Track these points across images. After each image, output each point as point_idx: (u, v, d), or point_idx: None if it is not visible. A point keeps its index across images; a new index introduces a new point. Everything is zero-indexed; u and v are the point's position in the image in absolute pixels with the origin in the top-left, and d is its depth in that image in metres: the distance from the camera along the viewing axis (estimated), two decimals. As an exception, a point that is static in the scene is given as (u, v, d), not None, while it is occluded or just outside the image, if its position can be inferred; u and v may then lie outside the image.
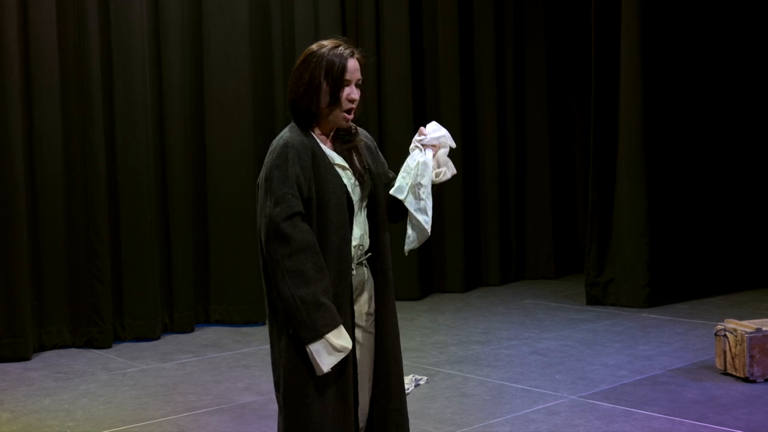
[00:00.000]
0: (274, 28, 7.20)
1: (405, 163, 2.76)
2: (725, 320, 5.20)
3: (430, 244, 8.19)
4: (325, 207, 2.59)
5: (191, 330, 6.74)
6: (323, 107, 2.65)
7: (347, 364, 2.62)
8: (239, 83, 6.94)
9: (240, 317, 6.92)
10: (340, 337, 2.54)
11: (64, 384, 5.28)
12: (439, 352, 5.86)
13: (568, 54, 9.07)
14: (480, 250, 8.45)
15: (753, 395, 4.64)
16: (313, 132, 2.68)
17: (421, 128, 2.77)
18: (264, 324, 6.92)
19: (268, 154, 2.64)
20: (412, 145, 2.77)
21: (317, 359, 2.53)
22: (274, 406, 4.67)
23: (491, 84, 8.40)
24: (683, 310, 7.01)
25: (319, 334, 2.51)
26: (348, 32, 7.72)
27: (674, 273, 7.47)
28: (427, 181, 2.69)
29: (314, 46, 2.68)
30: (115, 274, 6.40)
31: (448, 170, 2.78)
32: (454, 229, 8.14)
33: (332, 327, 2.53)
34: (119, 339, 6.40)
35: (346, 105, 2.66)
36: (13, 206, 5.95)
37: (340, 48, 2.65)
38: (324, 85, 2.62)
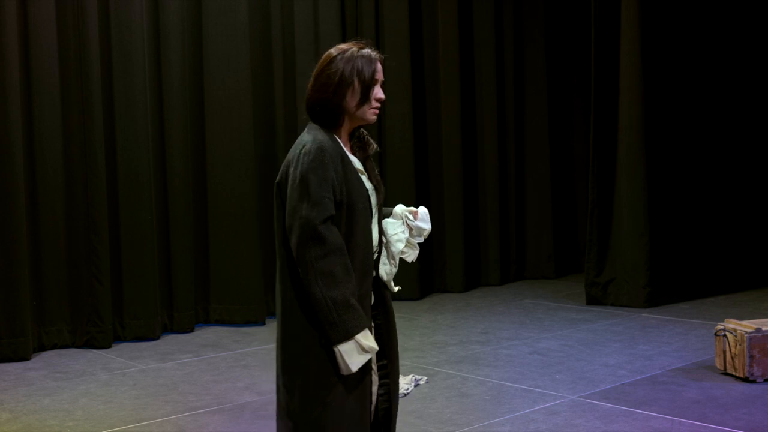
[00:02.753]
0: (273, 28, 7.21)
1: (384, 222, 2.88)
2: (725, 320, 5.20)
3: (430, 244, 8.19)
4: (353, 210, 2.65)
5: (191, 330, 6.74)
6: (353, 105, 2.70)
7: (366, 365, 2.65)
8: (239, 83, 6.94)
9: (240, 317, 6.93)
10: (367, 338, 2.59)
11: (63, 384, 5.28)
12: (439, 352, 5.86)
13: (568, 55, 9.07)
14: (480, 250, 8.45)
15: (753, 395, 4.64)
16: (337, 135, 2.74)
17: (416, 210, 2.92)
18: (264, 324, 6.94)
19: (298, 155, 2.63)
20: (399, 210, 2.91)
21: (346, 359, 2.56)
22: (274, 406, 4.67)
23: (491, 85, 8.40)
24: (683, 310, 7.01)
25: (349, 335, 2.55)
26: (348, 33, 7.73)
27: (674, 273, 7.47)
28: (395, 252, 2.87)
29: (340, 48, 2.74)
30: (115, 274, 6.40)
31: (412, 255, 2.92)
32: (454, 229, 8.14)
33: (361, 328, 2.57)
34: (119, 339, 6.40)
35: (374, 103, 2.75)
36: (13, 206, 5.95)
37: (366, 50, 2.74)
38: (356, 84, 2.69)
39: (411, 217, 2.89)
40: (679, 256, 7.56)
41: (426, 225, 2.91)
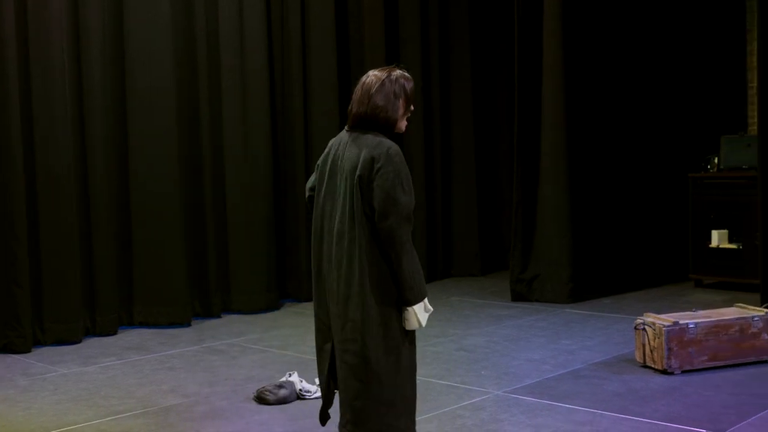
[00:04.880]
0: (197, 23, 7.12)
1: None
2: (644, 314, 5.34)
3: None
4: None
5: (114, 333, 6.61)
6: (400, 116, 3.34)
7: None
8: (162, 81, 6.83)
9: (165, 319, 6.82)
10: (428, 302, 3.30)
11: (-20, 390, 5.12)
12: (367, 350, 5.86)
13: (493, 55, 9.19)
14: (407, 249, 8.48)
15: (671, 387, 4.77)
16: None
17: None
18: (190, 325, 6.86)
19: (387, 154, 3.20)
20: None
21: (419, 316, 3.22)
22: (200, 408, 4.63)
23: (416, 84, 8.43)
24: (605, 305, 7.17)
25: (421, 297, 3.23)
26: (273, 27, 7.68)
27: (596, 269, 7.64)
28: None
29: (381, 73, 3.33)
30: (35, 276, 6.23)
31: None
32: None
33: (427, 293, 3.29)
34: (39, 343, 6.23)
35: (408, 115, 3.39)
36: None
37: (400, 71, 3.37)
38: (402, 100, 3.32)
39: None
40: (601, 252, 7.73)
41: None
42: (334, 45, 7.89)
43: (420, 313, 3.23)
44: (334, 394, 3.40)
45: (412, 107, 3.37)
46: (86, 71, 6.53)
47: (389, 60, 8.24)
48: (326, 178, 3.39)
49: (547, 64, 7.37)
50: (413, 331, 3.31)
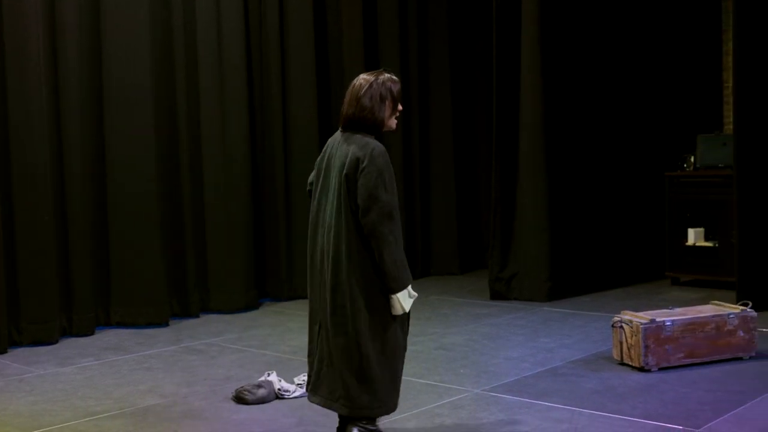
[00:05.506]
0: (175, 21, 7.08)
1: None
2: (622, 312, 5.37)
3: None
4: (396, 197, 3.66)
5: (91, 333, 6.57)
6: (387, 117, 3.68)
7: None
8: (139, 79, 6.79)
9: (143, 319, 6.79)
10: (412, 288, 3.64)
11: (-45, 392, 5.07)
12: (346, 349, 5.85)
13: (472, 54, 9.21)
14: (386, 247, 8.48)
15: (648, 384, 4.80)
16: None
17: None
18: (167, 325, 6.82)
19: (371, 155, 3.52)
20: None
21: (402, 303, 3.60)
22: (178, 409, 4.60)
23: (396, 82, 8.44)
24: (583, 303, 7.21)
25: (404, 286, 3.58)
26: (251, 26, 7.66)
27: (575, 267, 7.68)
28: None
29: (371, 75, 3.68)
30: (10, 276, 6.17)
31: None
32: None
33: (410, 281, 3.63)
34: (15, 344, 6.17)
35: (396, 114, 3.73)
36: None
37: (388, 74, 3.70)
38: (388, 101, 3.65)
39: None
40: (579, 251, 7.77)
41: None
42: (312, 43, 7.87)
43: (404, 300, 3.59)
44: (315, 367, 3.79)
45: (400, 107, 3.70)
46: (62, 67, 6.47)
47: (368, 58, 8.25)
48: (322, 174, 3.72)
49: (525, 64, 7.39)
50: (402, 316, 3.65)
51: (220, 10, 7.32)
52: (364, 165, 3.52)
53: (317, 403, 3.80)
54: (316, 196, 3.74)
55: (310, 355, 3.82)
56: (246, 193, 7.49)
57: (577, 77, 7.78)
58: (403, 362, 3.72)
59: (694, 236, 7.77)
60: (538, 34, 7.34)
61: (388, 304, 3.61)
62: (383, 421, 4.11)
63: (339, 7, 8.16)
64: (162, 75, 7.01)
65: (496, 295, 7.53)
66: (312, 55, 7.87)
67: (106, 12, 6.73)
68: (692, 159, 7.89)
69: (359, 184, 3.52)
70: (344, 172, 3.56)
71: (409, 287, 3.61)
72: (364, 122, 3.64)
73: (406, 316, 3.72)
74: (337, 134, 3.74)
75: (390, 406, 3.71)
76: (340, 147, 3.65)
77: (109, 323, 6.82)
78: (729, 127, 8.10)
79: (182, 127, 7.14)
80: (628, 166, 8.27)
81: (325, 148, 3.77)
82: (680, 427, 4.05)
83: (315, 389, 3.78)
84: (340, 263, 3.57)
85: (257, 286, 7.64)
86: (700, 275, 7.76)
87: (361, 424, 3.68)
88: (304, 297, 7.76)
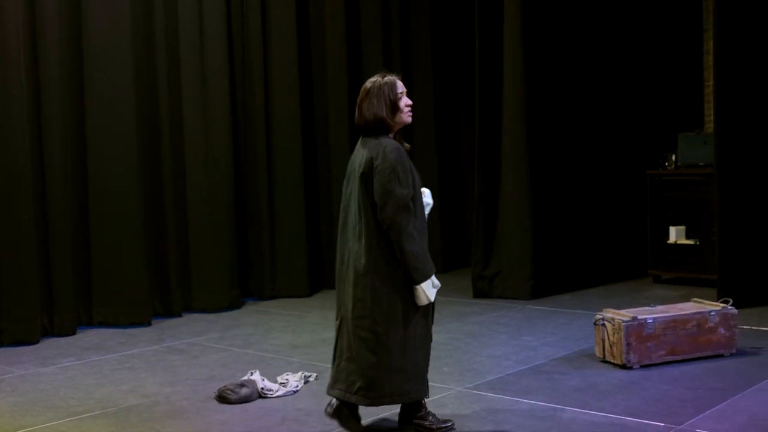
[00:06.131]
0: (156, 19, 7.05)
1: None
2: (604, 310, 5.39)
3: (319, 241, 8.18)
4: (416, 191, 3.84)
5: (73, 333, 6.53)
6: (388, 113, 3.86)
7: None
8: (121, 78, 6.76)
9: (125, 318, 6.75)
10: (435, 278, 3.79)
11: (-65, 393, 5.03)
12: (329, 348, 5.81)
13: (455, 52, 9.22)
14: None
15: (630, 381, 4.83)
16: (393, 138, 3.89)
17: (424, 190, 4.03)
18: (150, 325, 6.80)
19: (383, 152, 3.75)
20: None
21: (427, 293, 3.75)
22: (161, 408, 4.59)
23: (379, 80, 8.44)
24: (566, 301, 7.24)
25: (427, 276, 3.74)
26: (233, 26, 7.64)
27: (557, 265, 7.71)
28: (426, 214, 4.04)
29: (371, 82, 3.90)
30: (-10, 276, 6.14)
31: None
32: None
33: (433, 270, 3.78)
34: (-4, 344, 6.15)
35: (405, 109, 3.92)
36: None
37: (388, 76, 3.92)
38: (384, 99, 3.85)
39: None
40: (562, 249, 7.79)
41: (431, 200, 4.06)
42: (295, 45, 7.85)
43: (428, 290, 3.75)
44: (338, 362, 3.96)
45: (408, 101, 3.92)
46: (43, 67, 6.43)
47: (350, 58, 8.25)
48: (349, 177, 3.96)
49: (508, 63, 7.41)
50: (425, 306, 3.80)
51: (203, 8, 7.30)
52: (377, 163, 3.75)
53: (335, 396, 3.93)
54: (345, 197, 3.95)
55: (334, 350, 4.00)
56: (229, 191, 7.47)
57: (559, 76, 7.80)
58: (427, 351, 3.90)
59: (675, 234, 7.81)
60: (520, 32, 7.35)
61: (409, 296, 3.76)
62: (367, 421, 4.12)
63: (321, 5, 8.14)
64: (143, 75, 6.97)
65: (479, 294, 7.55)
66: (294, 50, 7.84)
67: (88, 12, 6.68)
68: (673, 157, 7.93)
69: (375, 180, 3.74)
70: (361, 171, 3.80)
71: (433, 277, 3.76)
72: (370, 125, 3.87)
73: (431, 305, 3.86)
74: (359, 141, 3.98)
75: (413, 395, 3.87)
76: (359, 152, 3.90)
77: (91, 323, 6.79)
78: (710, 126, 8.15)
79: (164, 126, 7.11)
80: (610, 164, 8.31)
81: (352, 156, 4.02)
82: (662, 424, 4.07)
83: (334, 382, 3.93)
84: (360, 258, 3.76)
85: (240, 286, 7.62)
86: (681, 273, 7.81)
87: (416, 419, 3.96)
88: (287, 296, 7.86)
